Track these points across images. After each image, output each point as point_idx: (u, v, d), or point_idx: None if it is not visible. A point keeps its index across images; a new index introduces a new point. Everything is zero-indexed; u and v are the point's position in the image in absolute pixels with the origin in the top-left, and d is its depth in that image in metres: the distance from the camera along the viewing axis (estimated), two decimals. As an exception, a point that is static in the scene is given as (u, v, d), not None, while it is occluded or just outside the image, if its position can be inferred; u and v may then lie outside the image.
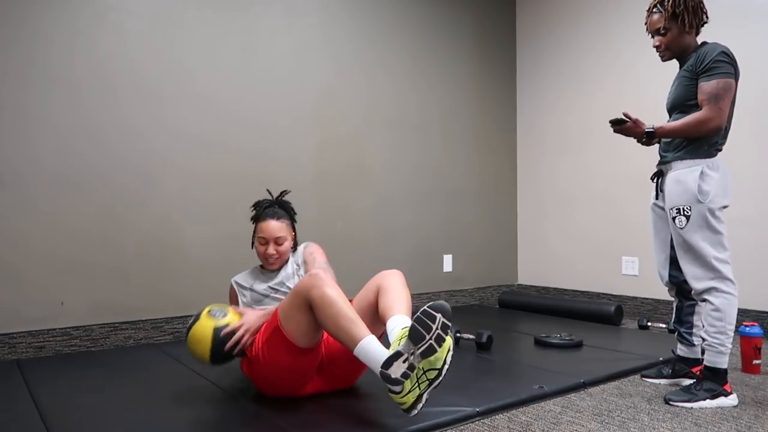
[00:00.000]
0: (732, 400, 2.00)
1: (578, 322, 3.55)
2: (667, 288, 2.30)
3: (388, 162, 3.91)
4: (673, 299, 2.32)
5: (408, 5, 4.04)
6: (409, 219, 4.02)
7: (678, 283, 2.24)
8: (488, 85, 4.51)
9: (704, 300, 2.05)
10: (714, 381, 2.01)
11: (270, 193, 2.34)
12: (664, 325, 3.37)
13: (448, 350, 1.62)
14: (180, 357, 2.63)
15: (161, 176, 3.03)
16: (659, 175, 2.22)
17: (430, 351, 1.57)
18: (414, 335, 1.57)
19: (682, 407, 1.98)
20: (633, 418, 1.86)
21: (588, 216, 4.16)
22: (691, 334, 2.25)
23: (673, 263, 2.23)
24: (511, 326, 3.39)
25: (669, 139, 2.15)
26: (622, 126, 2.13)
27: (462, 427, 1.79)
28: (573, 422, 1.82)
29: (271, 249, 2.16)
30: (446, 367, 1.61)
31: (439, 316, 1.58)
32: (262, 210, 2.21)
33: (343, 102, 3.71)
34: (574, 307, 3.68)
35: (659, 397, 2.09)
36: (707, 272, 2.03)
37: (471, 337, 2.88)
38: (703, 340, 2.06)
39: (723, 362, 2.01)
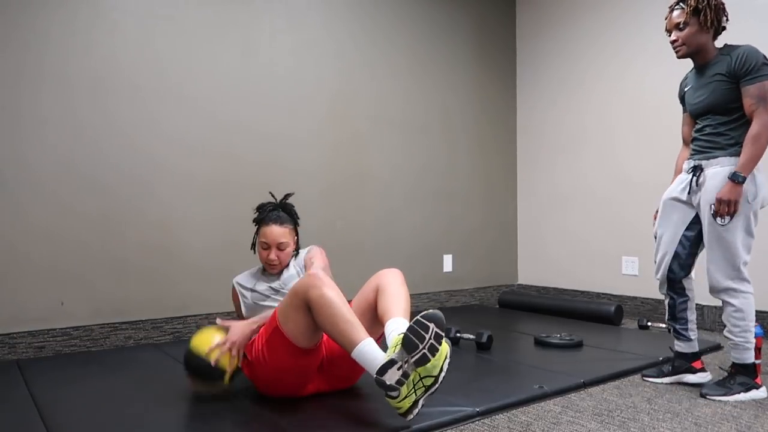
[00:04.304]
0: (762, 392, 2.09)
1: (578, 322, 3.55)
2: (659, 282, 2.33)
3: (388, 162, 3.91)
4: (664, 297, 2.35)
5: (408, 5, 4.04)
6: (409, 219, 4.02)
7: (673, 279, 2.27)
8: (488, 85, 4.51)
9: (722, 300, 2.12)
10: (746, 375, 2.10)
11: (273, 197, 2.34)
12: (664, 325, 3.37)
13: (445, 358, 1.64)
14: (180, 357, 2.63)
15: (161, 175, 3.03)
16: (698, 170, 2.20)
17: (424, 360, 1.58)
18: (407, 344, 1.58)
19: (719, 401, 2.04)
20: (633, 418, 1.86)
21: (588, 216, 4.16)
22: (687, 329, 2.28)
23: (676, 258, 2.25)
24: (511, 326, 3.39)
25: (716, 131, 2.13)
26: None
27: (462, 427, 1.79)
28: (573, 422, 1.82)
29: (273, 254, 2.16)
30: (443, 374, 1.64)
31: (432, 326, 1.59)
32: (266, 214, 2.20)
33: (344, 102, 3.70)
34: (574, 307, 3.68)
35: (659, 397, 2.09)
36: (732, 272, 2.09)
37: (471, 337, 2.88)
38: (728, 339, 2.13)
39: (750, 357, 2.11)
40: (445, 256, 4.21)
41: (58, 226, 2.76)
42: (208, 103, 3.17)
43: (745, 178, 2.02)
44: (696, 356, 2.28)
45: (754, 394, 2.07)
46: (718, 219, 2.08)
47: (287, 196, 2.32)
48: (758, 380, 2.10)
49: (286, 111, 3.46)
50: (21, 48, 2.68)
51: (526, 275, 4.63)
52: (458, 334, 2.88)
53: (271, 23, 3.41)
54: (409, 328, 1.60)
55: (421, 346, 1.57)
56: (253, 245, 2.23)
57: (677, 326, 2.29)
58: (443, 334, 1.61)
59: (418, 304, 4.03)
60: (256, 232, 2.22)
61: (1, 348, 2.61)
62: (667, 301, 2.32)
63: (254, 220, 2.24)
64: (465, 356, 2.63)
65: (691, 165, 2.24)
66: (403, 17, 4.01)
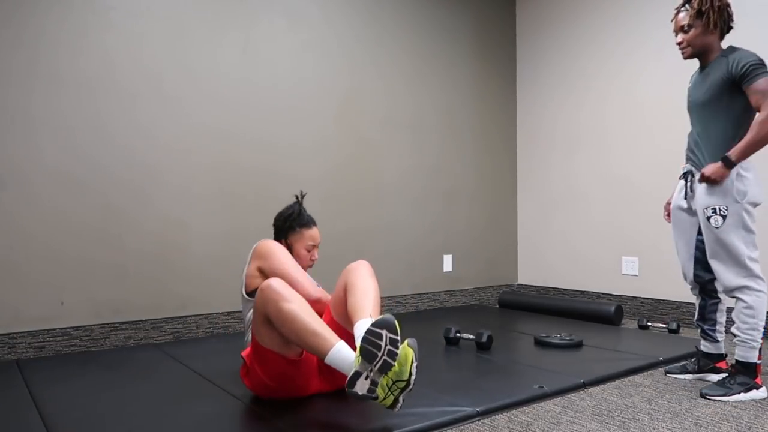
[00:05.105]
0: (762, 392, 2.08)
1: (578, 322, 3.55)
2: (690, 287, 2.36)
3: (388, 162, 3.91)
4: (695, 298, 2.38)
5: (408, 5, 4.04)
6: (408, 219, 4.02)
7: (702, 283, 2.30)
8: (488, 85, 4.51)
9: (735, 298, 2.13)
10: (746, 375, 2.09)
11: (298, 198, 2.35)
12: (664, 325, 3.37)
13: (412, 362, 1.63)
14: (180, 357, 2.63)
15: (161, 175, 3.03)
16: (689, 175, 2.26)
17: (387, 366, 1.59)
18: (365, 354, 1.58)
19: (719, 401, 2.04)
20: (633, 418, 1.86)
21: (588, 216, 4.16)
22: (714, 330, 2.31)
23: (698, 262, 2.29)
24: (511, 326, 3.39)
25: (703, 134, 2.18)
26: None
27: (462, 427, 1.79)
28: (573, 422, 1.82)
29: (317, 253, 2.26)
30: (413, 377, 1.64)
31: (384, 332, 1.59)
32: (307, 217, 2.26)
33: (344, 103, 3.70)
34: (574, 307, 3.68)
35: (659, 397, 2.09)
36: (740, 270, 2.10)
37: (471, 337, 2.88)
38: (734, 336, 2.13)
39: (754, 356, 2.11)
40: (445, 256, 4.21)
41: (58, 225, 2.76)
42: (211, 97, 3.17)
43: (733, 163, 2.04)
44: (721, 357, 2.32)
45: (754, 394, 2.07)
46: (711, 221, 2.11)
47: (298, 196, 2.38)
48: (758, 380, 2.11)
49: (287, 111, 3.46)
50: (31, 47, 2.68)
51: (526, 275, 4.63)
52: (458, 334, 2.88)
53: (270, 22, 3.40)
54: (363, 339, 1.59)
55: (379, 355, 1.57)
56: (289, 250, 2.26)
57: (705, 327, 2.33)
58: (398, 338, 1.60)
59: (418, 304, 4.03)
60: (289, 237, 2.25)
61: (1, 348, 2.61)
62: (698, 302, 2.36)
63: (294, 225, 2.25)
64: (465, 356, 2.63)
65: (683, 171, 2.29)
66: (401, 18, 4.01)
